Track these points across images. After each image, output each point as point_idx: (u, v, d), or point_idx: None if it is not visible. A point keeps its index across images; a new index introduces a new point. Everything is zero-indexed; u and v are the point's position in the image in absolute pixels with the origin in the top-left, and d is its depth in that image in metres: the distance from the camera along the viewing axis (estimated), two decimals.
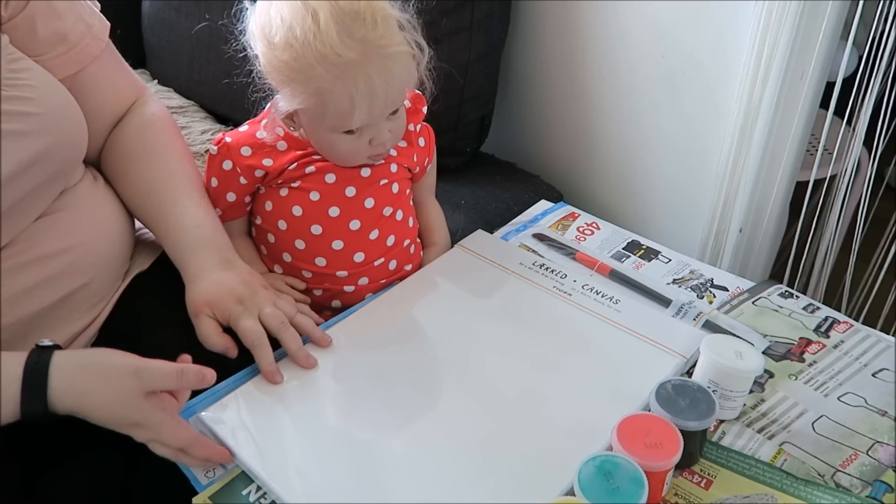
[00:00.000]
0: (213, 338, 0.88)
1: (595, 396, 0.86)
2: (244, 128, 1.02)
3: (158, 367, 0.76)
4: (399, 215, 1.06)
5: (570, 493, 0.72)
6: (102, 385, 0.74)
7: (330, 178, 0.99)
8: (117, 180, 0.99)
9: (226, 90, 1.53)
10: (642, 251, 1.12)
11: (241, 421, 0.84)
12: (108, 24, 0.93)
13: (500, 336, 0.96)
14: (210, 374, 0.78)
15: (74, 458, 0.87)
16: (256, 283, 0.92)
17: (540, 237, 1.14)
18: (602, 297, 1.01)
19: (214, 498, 0.77)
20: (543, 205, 1.23)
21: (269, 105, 1.00)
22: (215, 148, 1.00)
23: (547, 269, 1.06)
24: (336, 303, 1.06)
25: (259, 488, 0.78)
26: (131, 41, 1.64)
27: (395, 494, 0.76)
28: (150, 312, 0.97)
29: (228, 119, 1.55)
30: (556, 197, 1.55)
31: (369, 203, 1.01)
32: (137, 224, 1.04)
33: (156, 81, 1.62)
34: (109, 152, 0.98)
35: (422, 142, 1.08)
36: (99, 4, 0.94)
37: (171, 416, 0.77)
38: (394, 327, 0.98)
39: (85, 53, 0.88)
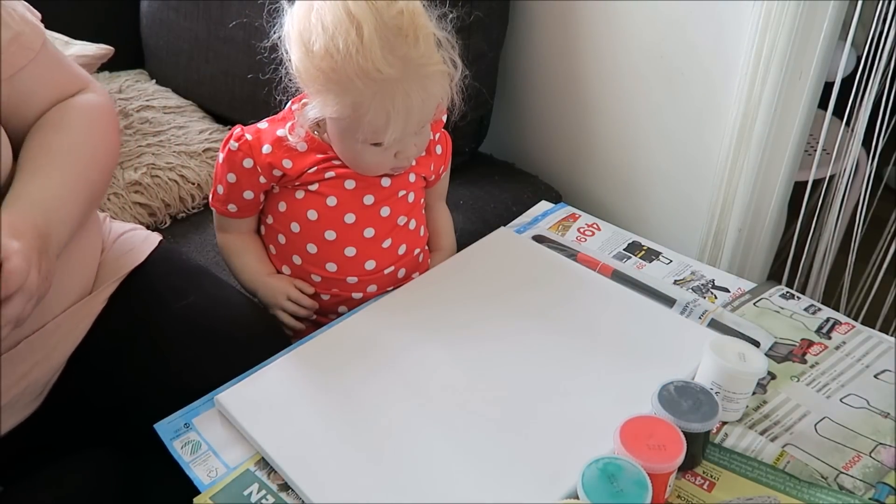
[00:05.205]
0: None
1: (605, 397, 0.86)
2: (263, 125, 1.01)
3: None
4: (412, 224, 1.06)
5: (574, 495, 0.72)
6: None
7: (349, 184, 0.99)
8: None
9: (224, 90, 1.53)
10: (643, 252, 1.11)
11: (259, 406, 0.84)
12: (44, 30, 0.89)
13: (519, 331, 0.96)
14: None
15: (72, 458, 0.87)
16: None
17: (539, 239, 1.14)
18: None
19: (216, 498, 0.77)
20: (544, 205, 1.23)
21: (289, 103, 0.99)
22: (236, 144, 0.99)
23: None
24: (342, 308, 1.06)
25: (261, 488, 0.78)
26: (130, 41, 1.63)
27: (398, 493, 0.76)
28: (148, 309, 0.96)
29: (227, 119, 1.55)
30: (554, 197, 1.55)
31: (385, 212, 1.01)
32: (124, 227, 1.03)
33: (154, 81, 1.62)
34: None
35: (439, 150, 1.08)
36: (39, 14, 0.90)
37: None
38: (416, 318, 0.97)
39: (9, 64, 0.84)
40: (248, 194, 1.01)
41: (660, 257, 1.11)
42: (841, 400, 0.88)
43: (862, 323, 0.99)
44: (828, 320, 0.99)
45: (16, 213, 0.76)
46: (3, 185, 0.81)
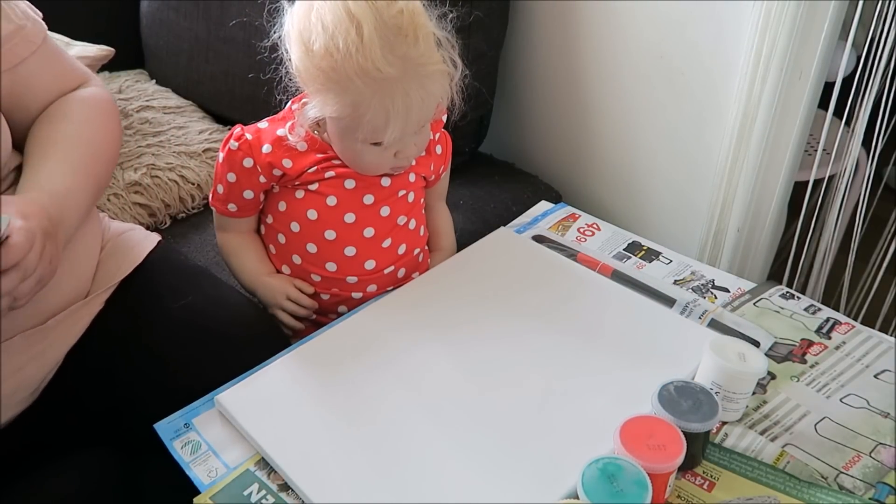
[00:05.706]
0: None
1: (605, 397, 0.86)
2: (263, 124, 1.01)
3: None
4: (412, 224, 1.06)
5: (574, 495, 0.72)
6: None
7: (349, 183, 0.99)
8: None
9: (224, 90, 1.53)
10: (643, 252, 1.11)
11: (259, 406, 0.84)
12: (45, 26, 0.92)
13: (519, 331, 0.95)
14: None
15: (70, 458, 0.87)
16: None
17: (539, 239, 1.14)
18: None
19: (216, 498, 0.77)
20: (544, 205, 1.23)
21: (289, 103, 0.99)
22: (236, 143, 0.99)
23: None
24: (342, 308, 1.06)
25: (261, 488, 0.78)
26: (130, 41, 1.63)
27: (398, 492, 0.76)
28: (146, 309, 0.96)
29: (227, 119, 1.54)
30: (554, 197, 1.55)
31: (385, 211, 1.01)
32: (122, 227, 1.03)
33: (154, 81, 1.62)
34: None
35: (439, 149, 1.08)
36: (40, 14, 0.93)
37: None
38: (416, 317, 0.97)
39: (12, 54, 0.87)
40: (248, 194, 1.01)
41: (660, 257, 1.11)
42: (841, 400, 0.87)
43: (862, 323, 0.99)
44: (828, 320, 0.99)
45: (27, 197, 0.79)
46: (3, 170, 0.84)
